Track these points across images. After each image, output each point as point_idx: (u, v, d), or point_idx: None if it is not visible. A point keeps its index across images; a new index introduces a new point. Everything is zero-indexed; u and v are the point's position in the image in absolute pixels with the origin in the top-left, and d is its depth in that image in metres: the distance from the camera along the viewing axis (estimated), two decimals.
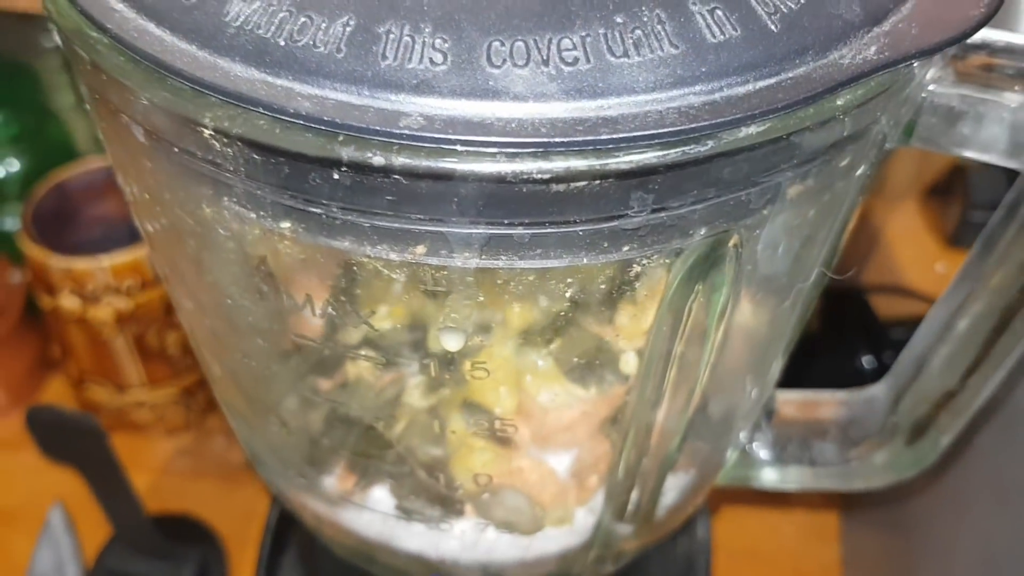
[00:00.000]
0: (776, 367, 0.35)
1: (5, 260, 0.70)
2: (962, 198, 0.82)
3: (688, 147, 0.20)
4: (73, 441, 0.52)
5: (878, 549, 0.60)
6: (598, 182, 0.20)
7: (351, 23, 0.20)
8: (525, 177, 0.20)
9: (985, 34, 0.26)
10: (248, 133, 0.20)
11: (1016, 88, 0.25)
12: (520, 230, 0.21)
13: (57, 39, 0.24)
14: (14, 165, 0.70)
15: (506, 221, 0.21)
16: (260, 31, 0.21)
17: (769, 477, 0.39)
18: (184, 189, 0.24)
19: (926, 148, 0.27)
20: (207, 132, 0.21)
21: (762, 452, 0.39)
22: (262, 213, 0.23)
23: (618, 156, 0.20)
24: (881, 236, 0.83)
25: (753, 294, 0.27)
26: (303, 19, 0.21)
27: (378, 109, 0.20)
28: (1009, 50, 0.26)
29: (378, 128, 0.20)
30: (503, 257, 0.22)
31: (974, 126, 0.26)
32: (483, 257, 0.22)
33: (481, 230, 0.21)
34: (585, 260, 0.22)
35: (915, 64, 0.22)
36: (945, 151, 0.27)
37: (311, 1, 0.21)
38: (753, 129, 0.20)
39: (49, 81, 0.73)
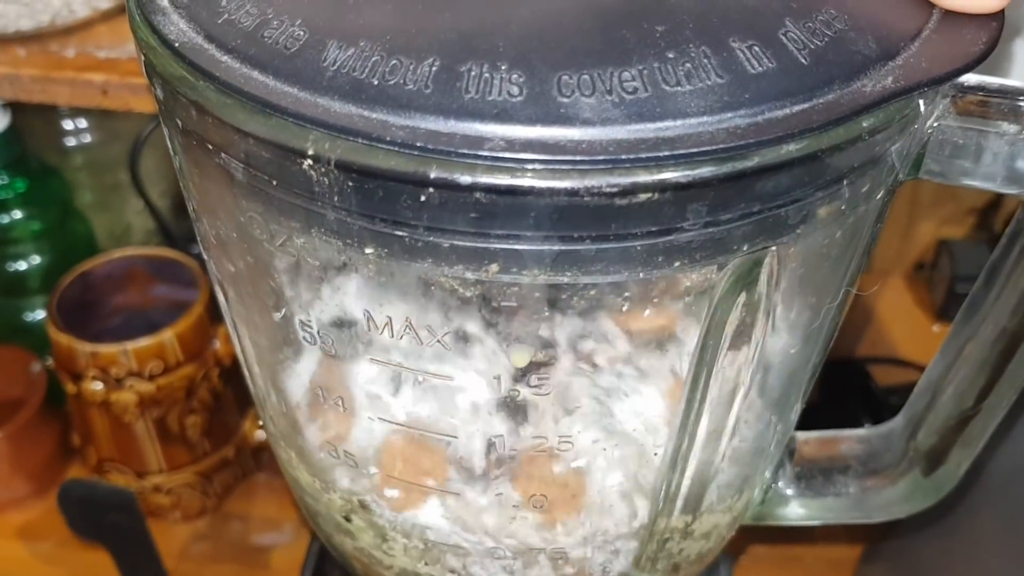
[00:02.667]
0: (798, 405, 0.37)
1: (26, 351, 0.72)
2: (948, 272, 0.85)
3: (737, 162, 0.23)
4: (105, 516, 0.53)
5: None
6: (658, 195, 0.23)
7: (436, 64, 0.23)
8: (595, 191, 0.22)
9: (980, 79, 0.29)
10: (347, 159, 0.23)
11: (1010, 120, 0.28)
12: (587, 244, 0.24)
13: (158, 93, 0.27)
14: (36, 260, 0.73)
15: (575, 235, 0.23)
16: (355, 73, 0.23)
17: (794, 512, 0.40)
18: (276, 222, 0.26)
19: (933, 180, 0.30)
20: (307, 163, 0.23)
21: (786, 489, 0.40)
22: (348, 240, 0.25)
23: (676, 171, 0.22)
24: (874, 312, 0.86)
25: (786, 312, 0.29)
26: (393, 61, 0.23)
27: (464, 135, 0.22)
28: (1002, 91, 0.29)
29: (465, 151, 0.22)
30: (568, 273, 0.25)
31: (975, 157, 0.29)
32: (551, 273, 0.25)
33: (551, 246, 0.24)
34: (641, 274, 0.25)
35: (926, 91, 0.25)
36: (951, 182, 0.29)
37: (400, 46, 0.24)
38: (792, 146, 0.23)
39: (72, 179, 0.76)
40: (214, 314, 0.67)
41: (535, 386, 0.29)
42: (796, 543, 0.72)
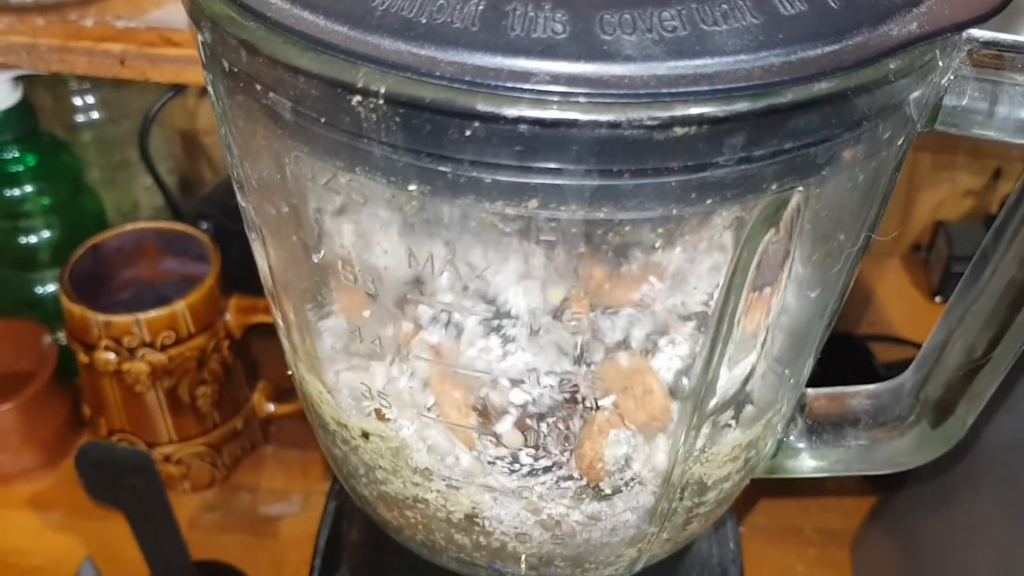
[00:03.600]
0: (811, 359, 0.39)
1: (37, 325, 0.73)
2: (945, 253, 0.86)
3: (771, 98, 0.24)
4: (123, 479, 0.54)
5: None
6: (695, 129, 0.24)
7: (482, 3, 0.24)
8: (636, 124, 0.23)
9: (994, 35, 0.30)
10: (397, 92, 0.24)
11: (1021, 71, 0.30)
12: (625, 179, 0.25)
13: (204, 36, 0.28)
14: (46, 234, 0.73)
15: (614, 169, 0.24)
16: (403, 12, 0.24)
17: (805, 465, 0.42)
18: (322, 161, 0.27)
19: (949, 130, 0.31)
20: (355, 99, 0.24)
21: (798, 442, 0.42)
22: (393, 178, 0.26)
23: (713, 105, 0.23)
24: (873, 292, 0.87)
25: (809, 255, 0.30)
26: (440, 1, 0.24)
27: (510, 70, 0.23)
28: (1015, 46, 0.31)
29: (511, 84, 0.23)
30: (605, 208, 0.26)
31: (989, 109, 0.30)
32: (589, 208, 0.26)
33: (591, 181, 0.25)
34: (675, 211, 0.26)
35: (948, 37, 0.26)
36: (965, 132, 0.31)
37: None
38: (823, 84, 0.24)
39: (80, 155, 0.77)
40: (225, 287, 0.67)
41: (570, 322, 0.30)
42: (794, 514, 0.73)
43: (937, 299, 0.88)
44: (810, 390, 0.42)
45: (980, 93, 0.30)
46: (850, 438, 0.41)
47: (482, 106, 0.23)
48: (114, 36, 0.56)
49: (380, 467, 0.36)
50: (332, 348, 0.34)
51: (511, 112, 0.23)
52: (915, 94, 0.28)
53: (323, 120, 0.26)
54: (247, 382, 0.73)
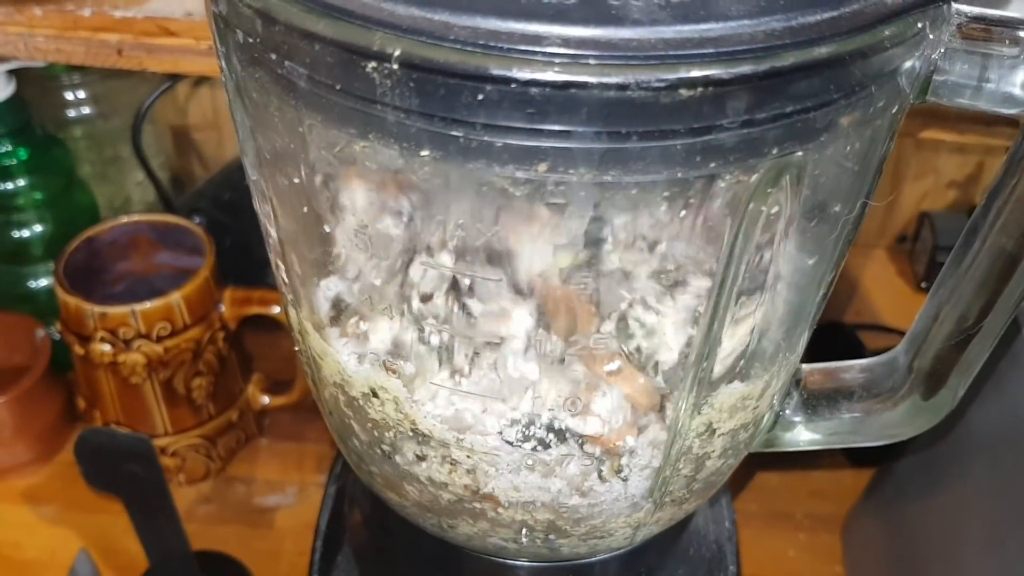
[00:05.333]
0: (806, 333, 0.40)
1: (30, 319, 0.73)
2: (929, 243, 0.88)
3: (773, 61, 0.25)
4: (123, 465, 0.54)
5: (882, 560, 0.63)
6: (700, 91, 0.25)
7: None
8: (644, 85, 0.24)
9: (981, 10, 0.31)
10: (411, 56, 0.24)
11: (1009, 45, 0.31)
12: (632, 142, 0.26)
13: (219, 8, 0.28)
14: (39, 228, 0.73)
15: (623, 131, 0.25)
16: None
17: (801, 437, 0.42)
18: (336, 128, 0.28)
19: (940, 101, 0.32)
20: (370, 65, 0.25)
21: (793, 416, 0.42)
22: (405, 144, 0.27)
23: (718, 67, 0.24)
24: (859, 282, 0.89)
25: (808, 221, 0.31)
26: None
27: (523, 34, 0.24)
28: (1002, 22, 0.32)
29: (524, 48, 0.24)
30: (613, 171, 0.26)
31: (977, 81, 0.31)
32: (597, 171, 0.26)
33: (599, 144, 0.26)
34: (679, 174, 0.27)
35: (940, 5, 0.27)
36: (955, 104, 0.32)
37: None
38: (823, 48, 0.25)
39: (73, 150, 0.77)
40: (219, 279, 0.68)
41: (577, 285, 0.31)
42: (785, 499, 0.74)
43: (923, 286, 0.89)
44: (805, 365, 0.43)
45: (969, 65, 0.31)
46: (844, 410, 0.42)
47: (495, 69, 0.24)
48: (111, 26, 0.56)
49: (388, 428, 0.36)
50: (339, 309, 0.35)
51: (523, 75, 0.24)
52: (908, 63, 0.29)
53: (338, 87, 0.26)
54: (242, 374, 0.73)
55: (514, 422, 0.34)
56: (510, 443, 0.34)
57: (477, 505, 0.38)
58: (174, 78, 0.77)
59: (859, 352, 0.77)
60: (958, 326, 0.37)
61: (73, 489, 0.69)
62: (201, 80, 0.86)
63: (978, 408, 0.51)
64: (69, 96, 0.78)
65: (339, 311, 0.35)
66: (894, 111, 0.30)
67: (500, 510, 0.38)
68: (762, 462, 0.74)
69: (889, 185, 0.90)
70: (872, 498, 0.67)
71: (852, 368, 0.42)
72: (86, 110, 0.79)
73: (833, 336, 0.78)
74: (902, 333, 0.81)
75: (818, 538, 0.71)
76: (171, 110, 0.88)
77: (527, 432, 0.34)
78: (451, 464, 0.36)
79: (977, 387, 0.49)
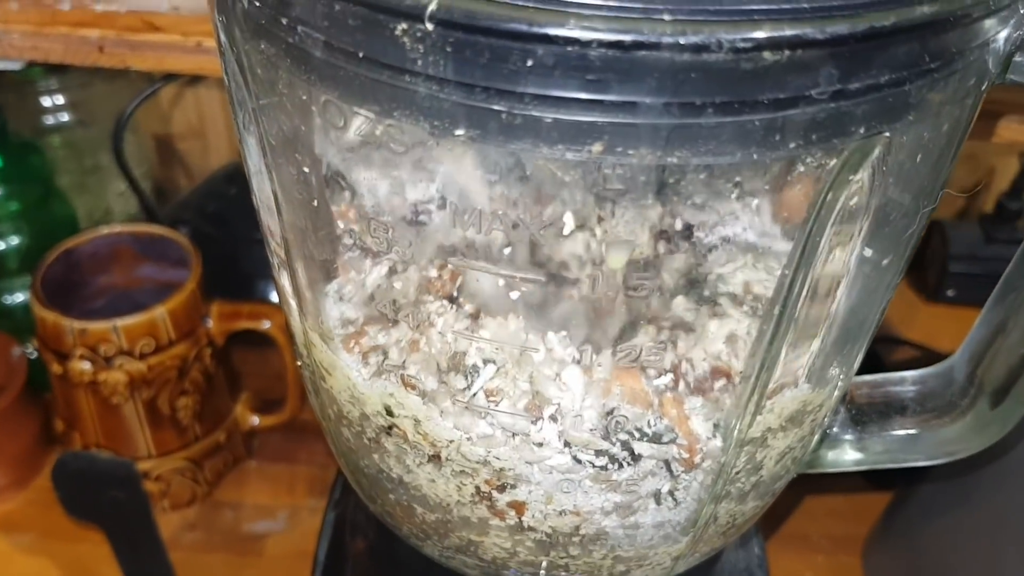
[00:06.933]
0: (865, 343, 0.36)
1: (5, 336, 0.69)
2: (941, 252, 0.85)
3: (873, 20, 0.21)
4: (105, 492, 0.50)
5: None
6: (787, 53, 0.21)
7: None
8: (726, 45, 0.21)
9: None
10: (451, 12, 0.21)
11: None
12: (707, 116, 0.22)
13: None
14: (15, 240, 0.70)
15: (697, 102, 0.22)
16: None
17: (849, 457, 0.39)
18: (358, 103, 0.24)
19: (1020, 80, 0.29)
20: (400, 27, 0.22)
21: (842, 434, 0.39)
22: (438, 122, 0.23)
23: (812, 25, 0.21)
24: None
25: (887, 213, 0.28)
26: None
27: None
28: None
29: (586, 1, 0.20)
30: (679, 152, 0.23)
31: None
32: (662, 152, 0.23)
33: (668, 119, 0.22)
34: (755, 156, 0.23)
35: None
36: None
37: None
38: (926, 8, 0.22)
39: (52, 158, 0.73)
40: (206, 292, 0.64)
41: (632, 289, 0.27)
42: (800, 519, 0.71)
43: (930, 306, 0.86)
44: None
45: None
46: (897, 426, 0.38)
47: (550, 27, 0.21)
48: (92, 21, 0.52)
49: (400, 452, 0.32)
50: (351, 318, 0.31)
51: (584, 34, 0.20)
52: (1002, 34, 0.26)
53: (360, 55, 0.23)
54: (230, 393, 0.69)
55: (568, 441, 0.30)
56: (578, 460, 0.30)
57: (499, 529, 0.34)
58: (158, 82, 0.73)
59: (876, 363, 0.73)
60: None
61: (50, 517, 0.65)
62: (186, 85, 0.83)
63: (1017, 425, 0.48)
64: (47, 102, 0.74)
65: (351, 319, 0.31)
66: (982, 87, 0.27)
67: (527, 536, 0.34)
68: None
69: None
70: (895, 519, 0.64)
71: (904, 380, 0.39)
72: (65, 117, 0.75)
73: None
74: (915, 345, 0.79)
75: (837, 560, 0.68)
76: (154, 117, 0.84)
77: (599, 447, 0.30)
78: (480, 494, 0.32)
79: None
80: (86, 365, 0.61)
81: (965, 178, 0.88)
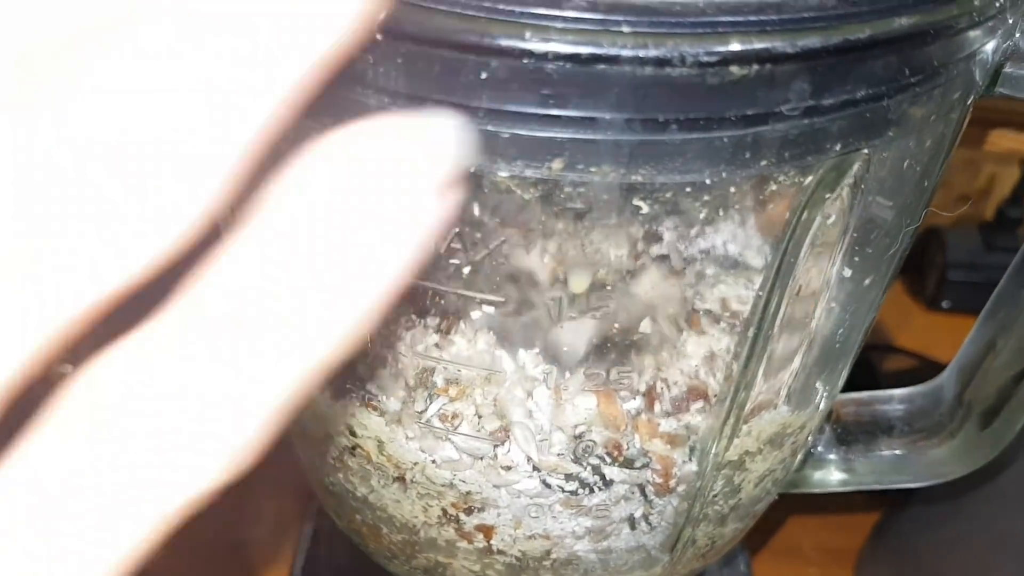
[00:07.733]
0: (850, 361, 0.35)
1: None
2: (939, 260, 0.84)
3: (848, 32, 0.20)
4: None
5: None
6: (756, 68, 0.20)
7: None
8: (689, 59, 0.19)
9: None
10: (402, 24, 0.20)
11: None
12: (671, 132, 0.21)
13: None
14: None
15: (660, 119, 0.20)
16: None
17: (833, 478, 0.38)
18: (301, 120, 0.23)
19: (1007, 92, 0.27)
20: None
21: (827, 453, 0.38)
22: None
23: (781, 38, 0.20)
24: None
25: (868, 233, 0.26)
26: None
27: None
28: None
29: (541, 12, 0.19)
30: (643, 170, 0.22)
31: None
32: (625, 170, 0.22)
33: (630, 135, 0.21)
34: (724, 174, 0.22)
35: None
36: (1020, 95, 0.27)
37: None
38: (904, 20, 0.20)
39: None
40: None
41: (594, 310, 0.26)
42: (792, 532, 0.70)
43: (928, 315, 0.85)
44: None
45: None
46: (883, 447, 0.37)
47: (504, 39, 0.19)
48: None
49: (365, 472, 0.31)
50: None
51: (540, 46, 0.19)
52: (987, 46, 0.25)
53: None
54: None
55: (536, 465, 0.29)
56: (547, 484, 0.29)
57: (467, 551, 0.33)
58: None
59: (872, 373, 0.72)
60: (1018, 358, 0.32)
61: None
62: None
63: (1017, 439, 0.47)
64: None
65: None
66: (968, 102, 0.25)
67: (496, 559, 0.33)
68: None
69: None
70: (889, 532, 0.62)
71: (891, 398, 0.38)
72: None
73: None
74: (913, 354, 0.77)
75: (830, 573, 0.67)
76: None
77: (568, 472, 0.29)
78: (447, 516, 0.31)
79: None
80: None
81: (965, 185, 0.87)
